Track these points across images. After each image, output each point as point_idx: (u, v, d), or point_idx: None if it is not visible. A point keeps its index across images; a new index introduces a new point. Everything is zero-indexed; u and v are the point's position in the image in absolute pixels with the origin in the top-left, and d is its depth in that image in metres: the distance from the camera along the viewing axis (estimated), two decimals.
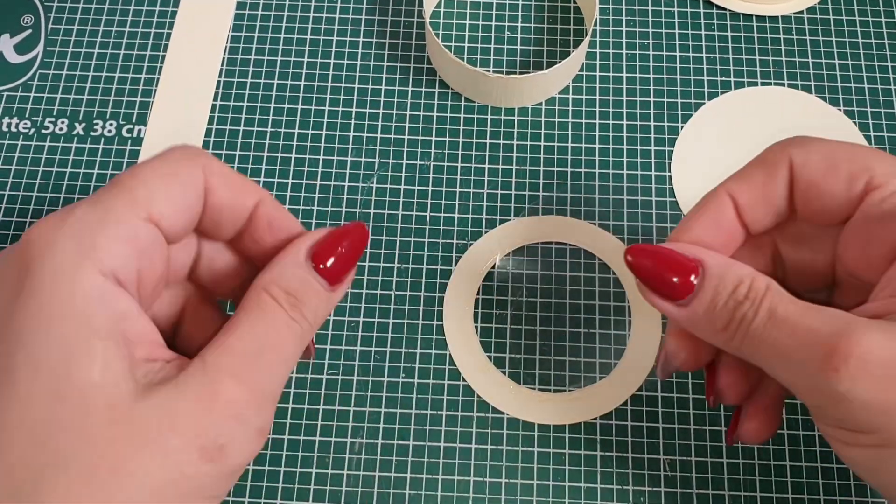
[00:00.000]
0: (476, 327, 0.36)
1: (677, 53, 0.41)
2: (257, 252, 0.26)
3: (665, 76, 0.41)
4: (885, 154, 0.25)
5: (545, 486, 0.33)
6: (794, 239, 0.28)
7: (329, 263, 0.25)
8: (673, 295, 0.25)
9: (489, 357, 0.35)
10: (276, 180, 0.39)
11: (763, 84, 0.41)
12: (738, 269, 0.24)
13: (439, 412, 0.34)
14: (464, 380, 0.35)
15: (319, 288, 0.25)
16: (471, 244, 0.37)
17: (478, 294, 0.36)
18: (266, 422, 0.24)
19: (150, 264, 0.24)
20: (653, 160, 0.39)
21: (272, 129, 0.40)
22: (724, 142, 0.39)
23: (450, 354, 0.35)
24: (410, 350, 0.35)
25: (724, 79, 0.41)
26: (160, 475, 0.21)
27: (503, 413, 0.34)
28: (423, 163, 0.39)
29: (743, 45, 0.41)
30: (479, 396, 0.34)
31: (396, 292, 0.36)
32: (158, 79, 0.41)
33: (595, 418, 0.34)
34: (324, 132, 0.40)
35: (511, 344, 0.35)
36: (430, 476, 0.33)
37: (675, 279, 0.24)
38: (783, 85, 0.41)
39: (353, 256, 0.26)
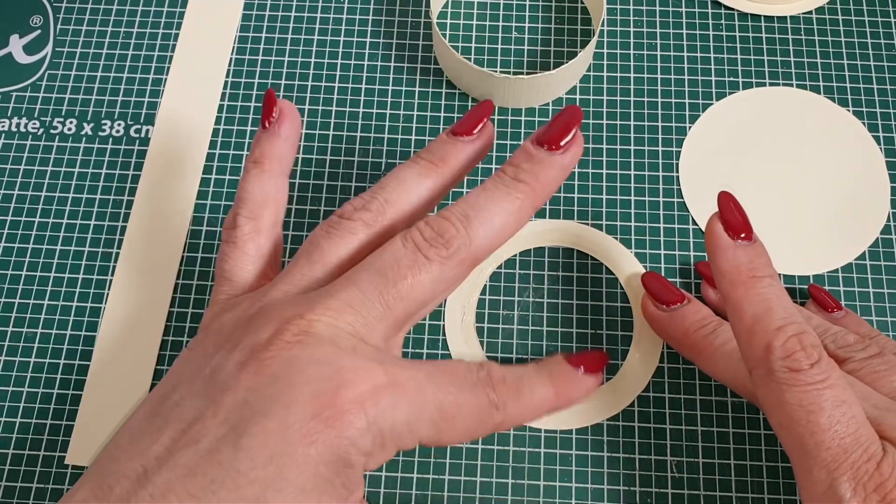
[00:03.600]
0: (483, 328, 0.36)
1: (685, 54, 0.41)
2: None
3: (673, 76, 0.41)
4: None
5: (552, 487, 0.33)
6: None
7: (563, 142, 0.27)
8: (665, 303, 0.34)
9: (496, 359, 0.35)
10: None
11: (771, 84, 0.40)
12: (706, 309, 0.33)
13: None
14: None
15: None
16: None
17: (482, 294, 0.36)
18: None
19: None
20: (660, 161, 0.39)
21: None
22: (732, 143, 0.39)
23: (451, 357, 0.35)
24: (416, 350, 0.35)
25: (732, 79, 0.41)
26: None
27: None
28: None
29: (751, 46, 0.41)
30: None
31: None
32: (166, 79, 0.41)
33: (601, 421, 0.34)
34: (331, 132, 0.40)
35: (518, 345, 0.35)
36: (436, 476, 0.33)
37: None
38: (791, 85, 0.40)
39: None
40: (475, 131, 0.28)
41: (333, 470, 0.21)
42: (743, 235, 0.28)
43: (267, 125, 0.28)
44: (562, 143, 0.26)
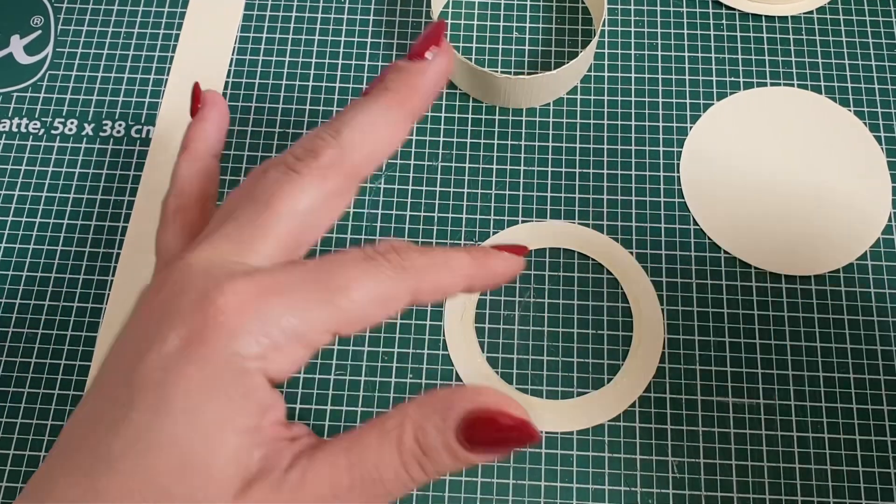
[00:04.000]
0: (483, 328, 0.36)
1: (686, 54, 0.41)
2: None
3: (674, 76, 0.41)
4: None
5: (553, 488, 0.33)
6: None
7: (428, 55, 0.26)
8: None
9: (496, 359, 0.35)
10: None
11: (772, 84, 0.40)
12: None
13: None
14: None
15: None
16: (478, 245, 0.37)
17: (482, 294, 0.36)
18: None
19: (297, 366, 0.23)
20: (661, 161, 0.39)
21: (280, 130, 0.40)
22: (733, 142, 0.39)
23: (452, 359, 0.35)
24: (418, 350, 0.35)
25: (733, 79, 0.41)
26: None
27: None
28: (430, 163, 0.39)
29: (752, 46, 0.41)
30: None
31: None
32: (167, 80, 0.41)
33: (602, 422, 0.34)
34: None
35: (519, 345, 0.35)
36: None
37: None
38: (792, 85, 0.40)
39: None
40: (434, 50, 0.26)
41: (225, 382, 0.21)
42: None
43: (193, 114, 0.29)
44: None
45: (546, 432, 0.34)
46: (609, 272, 0.37)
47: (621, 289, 0.36)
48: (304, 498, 0.21)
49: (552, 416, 0.34)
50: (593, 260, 0.37)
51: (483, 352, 0.35)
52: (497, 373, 0.35)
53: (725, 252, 0.37)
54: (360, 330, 0.22)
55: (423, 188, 0.38)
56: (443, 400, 0.22)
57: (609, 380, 0.35)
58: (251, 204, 0.24)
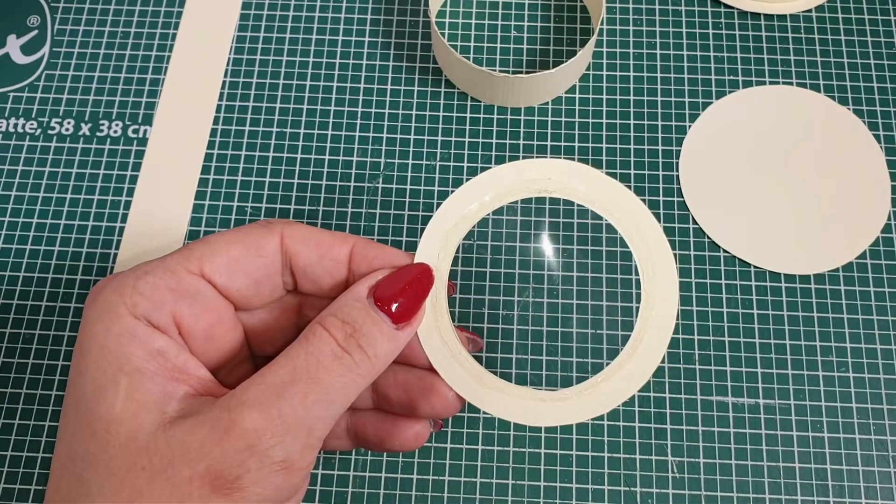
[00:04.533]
0: (482, 328, 0.35)
1: (685, 52, 0.41)
2: None
3: (672, 75, 0.40)
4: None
5: (552, 488, 0.33)
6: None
7: (394, 306, 0.24)
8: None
9: (496, 359, 0.35)
10: (281, 180, 0.38)
11: (771, 83, 0.40)
12: None
13: None
14: None
15: (381, 322, 0.24)
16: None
17: (481, 294, 0.36)
18: (291, 454, 0.22)
19: (195, 312, 0.24)
20: (660, 160, 0.39)
21: (277, 129, 0.40)
22: (732, 141, 0.39)
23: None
24: None
25: (731, 78, 0.40)
26: None
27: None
28: (429, 162, 0.39)
29: (751, 44, 0.41)
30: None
31: None
32: (164, 79, 0.41)
33: (602, 418, 0.34)
34: (329, 132, 0.40)
35: (518, 345, 0.35)
36: (436, 477, 0.33)
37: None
38: (791, 84, 0.40)
39: (419, 294, 0.25)
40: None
41: None
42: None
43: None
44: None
45: (545, 429, 0.34)
46: (612, 269, 0.36)
47: (622, 287, 0.36)
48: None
49: (549, 409, 0.29)
50: (594, 259, 0.37)
51: (468, 356, 0.28)
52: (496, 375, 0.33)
53: (725, 251, 0.37)
54: (233, 272, 0.25)
55: (422, 188, 0.38)
56: (350, 292, 0.24)
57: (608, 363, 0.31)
58: None
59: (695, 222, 0.38)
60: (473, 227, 0.28)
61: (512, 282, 0.36)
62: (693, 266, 0.37)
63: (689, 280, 0.36)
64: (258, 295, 0.26)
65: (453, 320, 0.27)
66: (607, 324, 0.36)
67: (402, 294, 0.25)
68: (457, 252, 0.28)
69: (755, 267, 0.37)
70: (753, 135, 0.39)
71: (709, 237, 0.37)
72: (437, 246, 0.27)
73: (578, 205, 0.28)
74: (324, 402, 0.22)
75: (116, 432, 0.22)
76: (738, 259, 0.37)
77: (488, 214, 0.28)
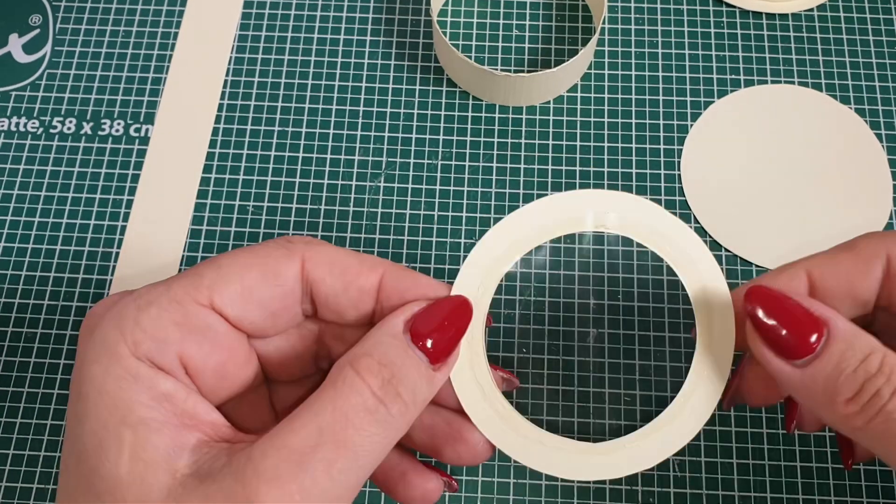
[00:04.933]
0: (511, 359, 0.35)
1: (686, 51, 0.41)
2: None
3: (674, 74, 0.40)
4: None
5: (553, 487, 0.33)
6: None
7: (430, 342, 0.22)
8: (789, 352, 0.22)
9: (497, 358, 0.35)
10: (283, 179, 0.38)
11: (773, 82, 0.40)
12: (869, 339, 0.21)
13: None
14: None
15: (419, 362, 0.21)
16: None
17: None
18: None
19: (204, 351, 0.22)
20: (662, 159, 0.39)
21: (279, 129, 0.40)
22: (734, 140, 0.39)
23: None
24: None
25: (733, 76, 0.40)
26: None
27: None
28: (430, 161, 0.39)
29: (752, 43, 0.41)
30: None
31: None
32: (166, 78, 0.41)
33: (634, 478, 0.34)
34: (331, 131, 0.40)
35: (518, 344, 0.35)
36: None
37: (795, 335, 0.22)
38: (793, 83, 0.40)
39: (458, 331, 0.23)
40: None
41: None
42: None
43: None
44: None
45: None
46: (599, 268, 0.36)
47: (625, 286, 0.36)
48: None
49: (589, 459, 0.26)
50: (596, 258, 0.37)
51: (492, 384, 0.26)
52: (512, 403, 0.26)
53: (727, 250, 0.37)
54: (247, 303, 0.22)
55: (423, 187, 0.38)
56: (381, 327, 0.22)
57: (658, 411, 0.26)
58: None
59: (696, 221, 0.37)
60: (521, 258, 0.26)
61: (513, 281, 0.36)
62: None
63: None
64: (274, 326, 0.23)
65: (488, 358, 0.25)
66: (608, 323, 0.35)
67: (440, 330, 0.22)
68: (500, 283, 0.25)
69: (756, 266, 0.37)
70: (755, 134, 0.39)
71: (710, 236, 0.37)
72: (479, 277, 0.25)
73: (638, 244, 0.26)
74: (352, 470, 0.20)
75: (123, 498, 0.19)
76: (740, 258, 0.37)
77: (544, 243, 0.26)
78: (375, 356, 0.21)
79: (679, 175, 0.38)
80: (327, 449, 0.19)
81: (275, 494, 0.19)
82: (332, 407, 0.20)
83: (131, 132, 0.40)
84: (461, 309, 0.23)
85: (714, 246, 0.37)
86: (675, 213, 0.37)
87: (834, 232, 0.37)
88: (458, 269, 0.36)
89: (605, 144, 0.39)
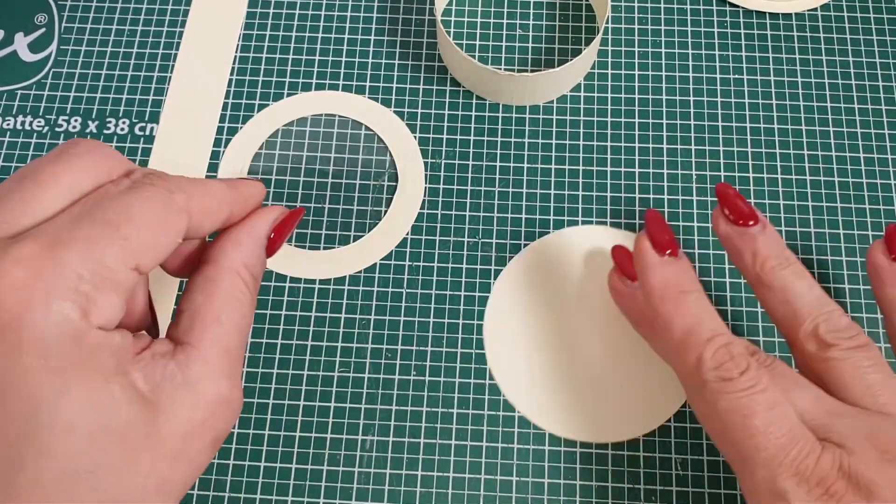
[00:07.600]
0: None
1: (690, 51, 0.41)
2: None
3: (678, 74, 0.41)
4: None
5: (556, 485, 0.33)
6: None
7: (276, 245, 0.29)
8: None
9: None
10: (287, 178, 0.39)
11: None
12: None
13: (450, 410, 0.34)
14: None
15: (265, 259, 0.28)
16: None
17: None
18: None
19: (130, 302, 0.25)
20: (665, 158, 0.39)
21: (283, 128, 0.40)
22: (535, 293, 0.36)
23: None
24: (421, 348, 0.35)
25: (737, 76, 0.40)
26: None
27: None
28: (434, 161, 0.39)
29: (756, 43, 0.41)
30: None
31: (408, 290, 0.36)
32: (171, 77, 0.41)
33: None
34: (335, 130, 0.40)
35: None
36: (440, 474, 0.33)
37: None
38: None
39: (288, 235, 0.29)
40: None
41: (72, 357, 0.21)
42: (669, 252, 0.29)
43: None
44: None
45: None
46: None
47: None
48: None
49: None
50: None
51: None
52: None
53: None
54: (159, 260, 0.24)
55: (427, 185, 0.38)
56: (252, 237, 0.27)
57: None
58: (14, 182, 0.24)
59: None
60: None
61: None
62: (711, 251, 0.37)
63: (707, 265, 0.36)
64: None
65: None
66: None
67: (282, 236, 0.29)
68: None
69: None
70: (559, 279, 0.36)
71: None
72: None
73: None
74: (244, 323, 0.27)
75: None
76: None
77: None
78: (252, 270, 0.27)
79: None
80: (242, 342, 0.26)
81: (223, 387, 0.25)
82: (241, 310, 0.26)
83: (136, 131, 0.40)
84: (292, 217, 0.29)
85: (716, 245, 0.37)
86: (677, 213, 0.38)
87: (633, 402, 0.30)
88: (461, 269, 0.37)
89: (608, 144, 0.39)
